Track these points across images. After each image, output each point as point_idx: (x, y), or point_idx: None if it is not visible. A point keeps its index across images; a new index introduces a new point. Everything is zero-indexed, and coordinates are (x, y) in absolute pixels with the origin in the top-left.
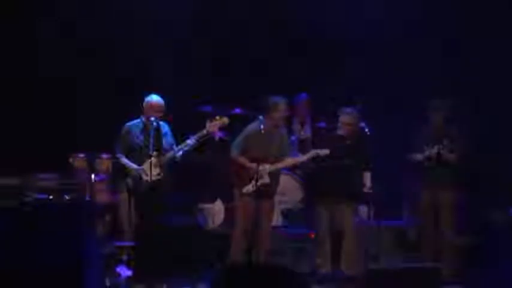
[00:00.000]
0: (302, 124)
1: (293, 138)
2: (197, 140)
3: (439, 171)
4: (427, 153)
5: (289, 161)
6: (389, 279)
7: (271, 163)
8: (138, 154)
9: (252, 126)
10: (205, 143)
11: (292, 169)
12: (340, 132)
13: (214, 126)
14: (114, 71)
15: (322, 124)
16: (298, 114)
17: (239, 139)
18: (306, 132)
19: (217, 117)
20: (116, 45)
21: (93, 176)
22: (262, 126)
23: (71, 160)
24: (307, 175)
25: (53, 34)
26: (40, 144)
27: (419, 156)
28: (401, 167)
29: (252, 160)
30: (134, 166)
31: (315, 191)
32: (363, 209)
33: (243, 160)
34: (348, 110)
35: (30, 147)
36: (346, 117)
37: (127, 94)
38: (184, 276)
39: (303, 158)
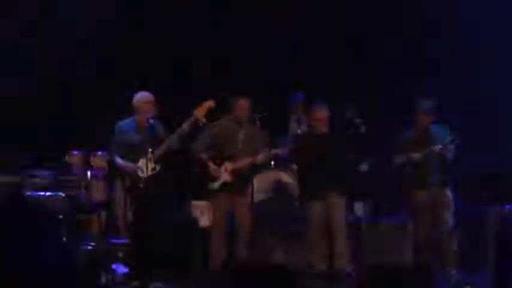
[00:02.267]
0: (298, 121)
1: (289, 135)
2: (187, 128)
3: (435, 171)
4: (425, 151)
5: (249, 159)
6: (386, 276)
7: (234, 161)
8: (133, 153)
9: (218, 122)
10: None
11: (286, 166)
12: (316, 128)
13: (202, 110)
14: (111, 68)
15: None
16: (294, 111)
17: (203, 135)
18: (303, 130)
19: (203, 102)
20: (113, 46)
21: (88, 172)
22: (228, 123)
23: (66, 157)
24: (300, 172)
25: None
26: (36, 141)
27: (416, 156)
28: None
29: (216, 157)
30: (131, 165)
31: (308, 189)
32: (359, 206)
33: (204, 158)
34: (318, 104)
35: (26, 144)
36: (322, 112)
37: (122, 92)
38: (179, 273)
39: (259, 157)
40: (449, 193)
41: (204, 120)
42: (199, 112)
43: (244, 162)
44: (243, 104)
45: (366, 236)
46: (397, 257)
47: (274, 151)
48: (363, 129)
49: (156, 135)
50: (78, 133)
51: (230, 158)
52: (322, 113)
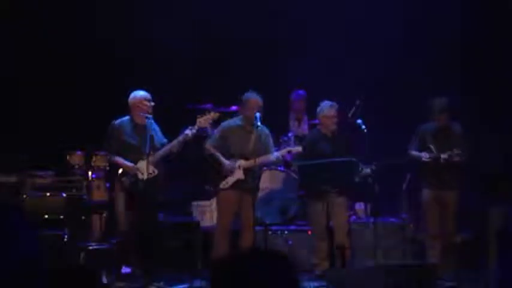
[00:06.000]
0: (299, 120)
1: (290, 134)
2: (191, 136)
3: (445, 172)
4: (433, 154)
5: (262, 158)
6: (387, 276)
7: (246, 159)
8: (130, 153)
9: (229, 122)
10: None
11: (288, 166)
12: (328, 127)
13: (205, 121)
14: (112, 69)
15: (318, 121)
16: (295, 110)
17: (215, 133)
18: (303, 129)
19: (207, 112)
20: (114, 45)
21: (89, 173)
22: (240, 122)
23: (67, 157)
24: (302, 173)
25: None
26: (37, 141)
27: (425, 155)
28: (403, 165)
29: (229, 155)
30: (130, 164)
31: (310, 188)
32: (360, 207)
33: (216, 154)
34: (329, 102)
35: (27, 144)
36: (331, 110)
37: (122, 92)
38: (182, 272)
39: (275, 155)
40: (456, 194)
41: (209, 128)
42: (203, 122)
43: (256, 161)
44: (255, 103)
45: (366, 236)
46: (397, 257)
47: (286, 150)
48: (364, 130)
49: (153, 135)
50: (79, 133)
51: (242, 157)
52: (332, 111)
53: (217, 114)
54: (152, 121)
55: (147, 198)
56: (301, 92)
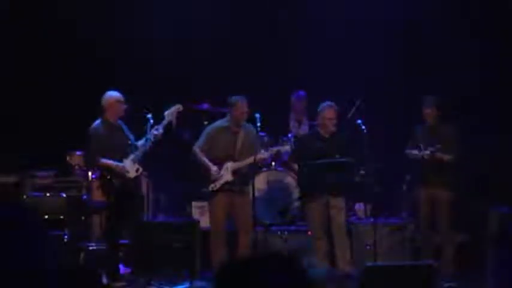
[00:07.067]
0: (299, 122)
1: (290, 135)
2: (162, 131)
3: (435, 170)
4: (421, 152)
5: (250, 158)
6: (387, 276)
7: (235, 160)
8: (112, 153)
9: (216, 124)
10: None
11: (287, 166)
12: (326, 128)
13: (171, 115)
14: (112, 69)
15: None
16: (295, 111)
17: (203, 136)
18: (303, 130)
19: (173, 106)
20: (114, 46)
21: (89, 173)
22: (226, 124)
23: (67, 157)
24: (300, 173)
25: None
26: (37, 141)
27: (416, 153)
28: (403, 164)
29: (216, 157)
30: (120, 164)
31: (308, 189)
32: (360, 207)
33: (202, 158)
34: (329, 103)
35: (27, 144)
36: (331, 111)
37: (123, 92)
38: (181, 272)
39: (264, 154)
40: (448, 192)
41: (175, 122)
42: (170, 115)
43: (245, 161)
44: (242, 105)
45: (365, 237)
46: (397, 257)
47: (274, 149)
48: (364, 130)
49: (128, 135)
50: (79, 133)
51: (230, 158)
52: (331, 112)
53: (182, 107)
54: (120, 121)
55: (137, 197)
56: (301, 92)
